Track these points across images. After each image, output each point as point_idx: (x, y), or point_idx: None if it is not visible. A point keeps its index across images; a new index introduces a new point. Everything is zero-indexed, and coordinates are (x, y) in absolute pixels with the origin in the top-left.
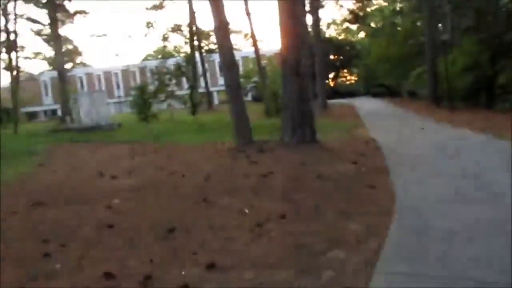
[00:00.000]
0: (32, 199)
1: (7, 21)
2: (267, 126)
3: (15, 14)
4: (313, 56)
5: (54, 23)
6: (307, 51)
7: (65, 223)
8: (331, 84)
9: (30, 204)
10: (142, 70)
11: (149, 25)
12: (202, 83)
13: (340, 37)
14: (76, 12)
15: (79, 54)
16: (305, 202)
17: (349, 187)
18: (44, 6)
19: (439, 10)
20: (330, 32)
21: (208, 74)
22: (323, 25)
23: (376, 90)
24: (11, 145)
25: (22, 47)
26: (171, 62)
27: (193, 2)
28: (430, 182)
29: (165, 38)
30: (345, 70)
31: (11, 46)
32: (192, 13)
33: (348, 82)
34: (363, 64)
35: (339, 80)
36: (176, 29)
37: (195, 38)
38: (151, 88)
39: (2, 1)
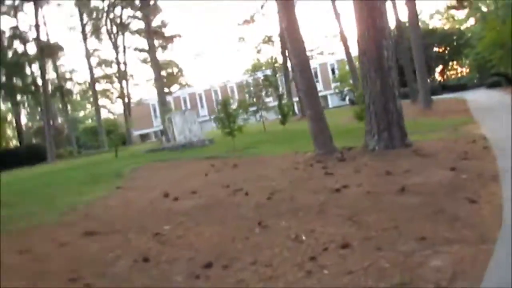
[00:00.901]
0: (87, 228)
1: (117, 53)
2: (355, 130)
3: (124, 46)
4: (410, 50)
5: (152, 50)
6: (390, 42)
7: (105, 256)
8: (440, 78)
9: (82, 233)
10: (240, 85)
11: (241, 39)
12: None
13: (446, 27)
14: (172, 37)
15: (182, 75)
16: (379, 224)
17: (440, 202)
18: (144, 35)
19: None
20: (435, 23)
21: None
22: (424, 16)
23: (492, 81)
24: (102, 169)
25: (132, 75)
26: (262, 75)
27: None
28: None
29: (258, 51)
30: (455, 62)
31: (122, 75)
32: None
33: (459, 75)
34: (475, 53)
35: (449, 73)
36: (267, 40)
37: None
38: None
39: (112, 35)
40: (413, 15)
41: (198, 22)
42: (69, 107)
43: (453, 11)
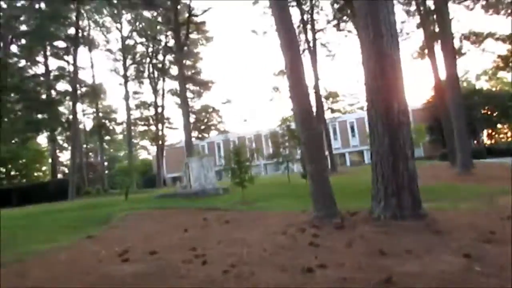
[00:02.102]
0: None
1: (156, 96)
2: None
3: (163, 90)
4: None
5: (183, 95)
6: (403, 94)
7: None
8: (488, 141)
9: None
10: (273, 134)
11: (275, 89)
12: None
13: (493, 89)
14: (206, 83)
15: (222, 122)
16: None
17: None
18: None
19: None
20: (481, 84)
21: (338, 135)
22: (471, 76)
23: None
24: (97, 212)
25: (168, 119)
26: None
27: (317, 64)
28: None
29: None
30: (505, 126)
31: (158, 118)
32: (316, 75)
33: (510, 139)
34: None
35: (498, 136)
36: None
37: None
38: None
39: (153, 79)
40: (452, 73)
41: (234, 70)
42: (109, 146)
43: (501, 73)
